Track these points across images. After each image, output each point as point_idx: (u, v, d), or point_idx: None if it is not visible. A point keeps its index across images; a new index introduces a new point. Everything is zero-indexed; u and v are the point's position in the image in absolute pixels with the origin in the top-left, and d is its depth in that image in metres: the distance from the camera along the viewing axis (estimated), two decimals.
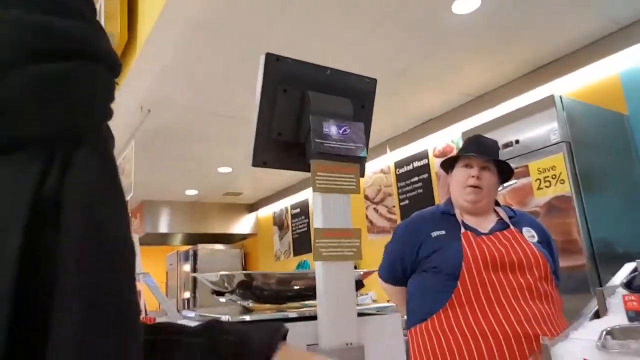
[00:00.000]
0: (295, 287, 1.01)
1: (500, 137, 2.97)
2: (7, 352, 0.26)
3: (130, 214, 0.39)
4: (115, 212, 0.32)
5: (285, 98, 0.89)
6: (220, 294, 1.07)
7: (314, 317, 0.86)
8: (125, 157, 3.88)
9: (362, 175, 0.94)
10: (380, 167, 5.08)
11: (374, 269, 1.37)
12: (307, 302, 1.01)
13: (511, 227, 1.62)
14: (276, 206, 6.93)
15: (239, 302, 1.03)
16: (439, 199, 4.37)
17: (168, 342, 0.51)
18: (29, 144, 0.29)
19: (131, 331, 0.31)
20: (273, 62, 0.88)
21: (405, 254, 1.58)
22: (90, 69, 0.32)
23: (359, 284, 1.08)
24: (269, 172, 5.04)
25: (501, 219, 1.67)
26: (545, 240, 1.68)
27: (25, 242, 0.27)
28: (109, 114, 0.35)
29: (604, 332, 1.10)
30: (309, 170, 0.89)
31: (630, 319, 1.13)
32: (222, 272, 1.04)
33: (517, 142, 2.86)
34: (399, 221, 4.76)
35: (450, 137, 4.29)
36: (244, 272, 1.07)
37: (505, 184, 2.93)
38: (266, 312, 0.94)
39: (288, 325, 0.85)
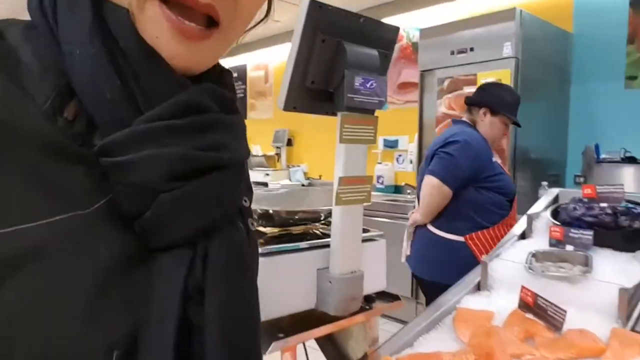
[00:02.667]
0: (299, 217, 1.13)
1: (457, 41, 3.05)
2: None
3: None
4: (244, 291, 0.42)
5: (323, 48, 0.90)
6: None
7: (321, 246, 1.01)
8: None
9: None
10: None
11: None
12: (308, 226, 1.14)
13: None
14: None
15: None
16: None
17: None
18: (181, 243, 0.38)
19: None
20: (316, 9, 0.87)
21: (471, 169, 2.01)
22: (220, 178, 0.39)
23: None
24: None
25: None
26: None
27: (181, 314, 0.37)
28: (239, 202, 0.44)
29: (530, 255, 1.39)
30: (333, 116, 0.95)
31: (552, 245, 1.41)
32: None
33: (471, 49, 2.96)
34: None
35: (403, 27, 4.26)
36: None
37: (452, 93, 3.10)
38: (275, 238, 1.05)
39: (301, 254, 0.99)
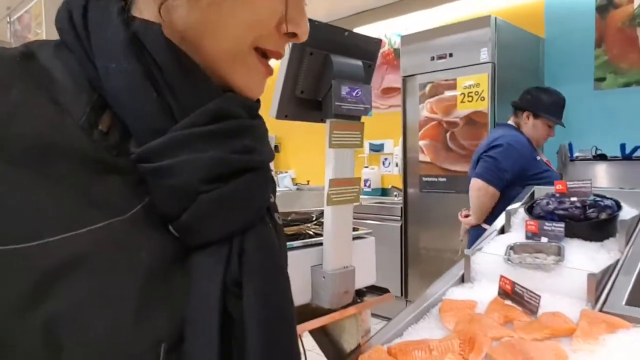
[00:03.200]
0: (292, 218, 1.21)
1: (436, 47, 3.16)
2: None
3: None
4: (279, 283, 0.44)
5: (311, 60, 0.98)
6: None
7: (314, 245, 1.08)
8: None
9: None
10: None
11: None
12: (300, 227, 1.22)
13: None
14: None
15: None
16: None
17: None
18: (218, 240, 0.41)
19: None
20: None
21: (514, 169, 2.17)
22: (252, 179, 0.42)
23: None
24: None
25: None
26: None
27: (222, 308, 0.39)
28: (268, 201, 0.46)
29: (508, 248, 1.48)
30: (322, 123, 1.04)
31: (528, 237, 1.51)
32: None
33: (451, 55, 3.08)
34: None
35: (384, 32, 4.38)
36: None
37: (433, 97, 3.21)
38: None
39: (296, 252, 1.06)
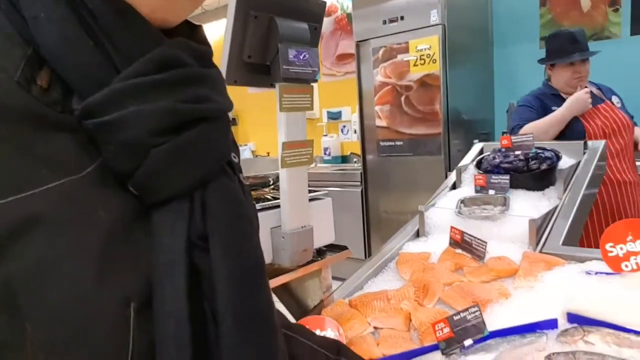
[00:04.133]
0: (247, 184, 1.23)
1: (388, 10, 3.18)
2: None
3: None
4: (247, 233, 0.43)
5: (256, 23, 0.99)
6: None
7: (272, 207, 1.12)
8: None
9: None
10: None
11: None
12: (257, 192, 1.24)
13: (606, 100, 2.15)
14: None
15: None
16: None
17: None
18: (178, 195, 0.39)
19: (272, 334, 0.42)
20: None
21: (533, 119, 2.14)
22: (208, 129, 0.40)
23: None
24: None
25: (593, 93, 2.14)
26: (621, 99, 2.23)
27: (188, 262, 0.38)
28: (228, 154, 0.44)
29: (459, 202, 1.56)
30: (271, 88, 1.05)
31: (477, 191, 1.60)
32: None
33: (402, 18, 3.10)
34: None
35: None
36: None
37: (387, 62, 3.25)
38: None
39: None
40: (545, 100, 2.21)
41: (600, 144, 1.72)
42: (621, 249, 1.09)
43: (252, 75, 1.05)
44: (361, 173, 3.59)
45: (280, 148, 1.04)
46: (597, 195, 2.05)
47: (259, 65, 1.04)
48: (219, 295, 0.38)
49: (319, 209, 1.24)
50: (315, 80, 1.10)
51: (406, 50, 3.12)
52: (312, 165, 1.08)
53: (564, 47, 2.14)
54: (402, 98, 3.21)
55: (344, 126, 4.54)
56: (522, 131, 2.11)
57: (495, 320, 1.02)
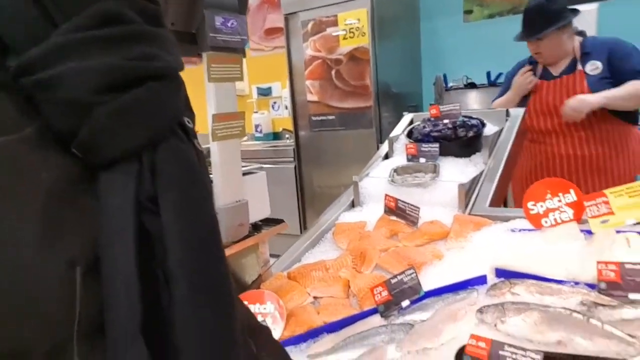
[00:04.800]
0: None
1: None
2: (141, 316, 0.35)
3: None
4: (200, 197, 0.41)
5: None
6: None
7: None
8: None
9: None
10: None
11: None
12: None
13: (578, 68, 2.03)
14: None
15: None
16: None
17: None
18: (125, 157, 0.37)
19: (229, 303, 0.40)
20: None
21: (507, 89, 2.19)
22: (156, 88, 0.38)
23: None
24: None
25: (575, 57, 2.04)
26: (616, 57, 1.95)
27: (137, 225, 0.36)
28: (179, 115, 0.42)
29: (392, 170, 1.60)
30: (198, 57, 1.00)
31: (409, 160, 1.64)
32: None
33: None
34: None
35: None
36: None
37: (316, 35, 3.22)
38: None
39: None
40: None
41: (520, 111, 1.83)
42: (541, 206, 1.18)
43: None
44: (294, 149, 3.58)
45: (211, 121, 0.99)
46: (540, 170, 2.15)
47: (184, 33, 0.98)
48: (172, 260, 0.37)
49: (253, 183, 1.21)
50: (244, 50, 1.05)
51: (335, 23, 3.11)
52: (245, 138, 1.05)
53: (523, 25, 2.12)
54: (333, 72, 3.21)
55: (275, 102, 4.48)
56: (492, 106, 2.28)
57: (430, 280, 1.06)
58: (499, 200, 1.46)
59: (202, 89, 1.00)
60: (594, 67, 2.00)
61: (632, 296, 0.89)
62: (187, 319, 0.37)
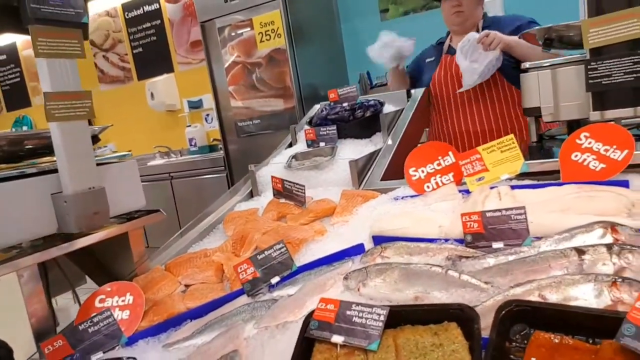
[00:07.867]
0: (29, 147, 1.07)
1: None
2: None
3: None
4: None
5: None
6: None
7: (54, 171, 0.98)
8: None
9: (86, 38, 1.00)
10: (105, 8, 4.61)
11: (109, 124, 1.47)
12: (43, 159, 1.09)
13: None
14: None
15: None
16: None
17: None
18: None
19: None
20: None
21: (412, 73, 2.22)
22: None
23: (95, 139, 1.21)
24: None
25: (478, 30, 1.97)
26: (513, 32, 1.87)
27: None
28: None
29: (291, 157, 1.55)
30: (26, 34, 0.91)
31: (309, 145, 1.59)
32: None
33: None
34: (133, 70, 4.60)
35: None
36: None
37: (234, 40, 3.17)
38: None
39: (28, 180, 0.95)
40: (424, 54, 2.26)
41: (420, 91, 1.83)
42: (422, 172, 1.15)
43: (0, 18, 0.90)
44: (224, 157, 3.49)
45: (44, 100, 0.91)
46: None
47: (8, 7, 0.90)
48: None
49: (122, 172, 1.13)
50: (82, 24, 0.98)
51: (250, 26, 3.07)
52: (93, 117, 0.97)
53: None
54: (254, 76, 3.17)
55: (208, 114, 4.38)
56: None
57: (312, 256, 1.00)
58: (397, 176, 1.43)
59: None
60: None
61: (496, 245, 0.86)
62: None
